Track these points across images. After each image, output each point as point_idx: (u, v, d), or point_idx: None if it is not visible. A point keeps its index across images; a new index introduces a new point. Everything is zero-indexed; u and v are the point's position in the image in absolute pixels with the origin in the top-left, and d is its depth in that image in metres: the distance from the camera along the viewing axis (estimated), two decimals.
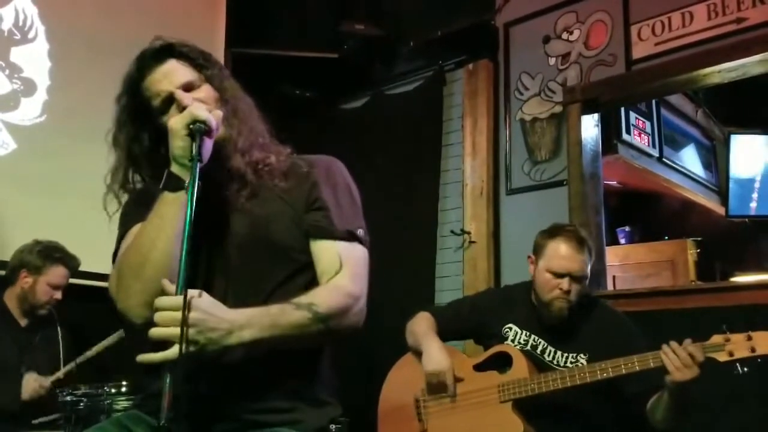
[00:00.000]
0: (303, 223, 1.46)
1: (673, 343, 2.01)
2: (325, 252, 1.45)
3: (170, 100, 1.42)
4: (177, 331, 1.18)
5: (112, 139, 1.50)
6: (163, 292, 1.24)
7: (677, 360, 1.97)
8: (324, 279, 1.42)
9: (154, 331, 1.20)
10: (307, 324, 1.32)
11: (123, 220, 1.52)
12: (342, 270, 1.41)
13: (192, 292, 1.21)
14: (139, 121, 1.47)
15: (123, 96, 1.48)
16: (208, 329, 1.21)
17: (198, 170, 1.29)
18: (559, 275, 2.29)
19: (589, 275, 2.35)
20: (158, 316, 1.20)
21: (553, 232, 2.38)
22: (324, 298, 1.36)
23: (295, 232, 1.46)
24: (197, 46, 1.50)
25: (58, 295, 2.93)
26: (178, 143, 1.32)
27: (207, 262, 1.42)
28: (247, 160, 1.46)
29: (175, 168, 1.34)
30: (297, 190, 1.49)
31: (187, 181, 1.30)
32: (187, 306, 1.18)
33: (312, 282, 1.44)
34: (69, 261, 2.95)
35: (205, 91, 1.45)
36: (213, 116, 1.35)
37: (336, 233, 1.45)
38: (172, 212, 1.32)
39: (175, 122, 1.32)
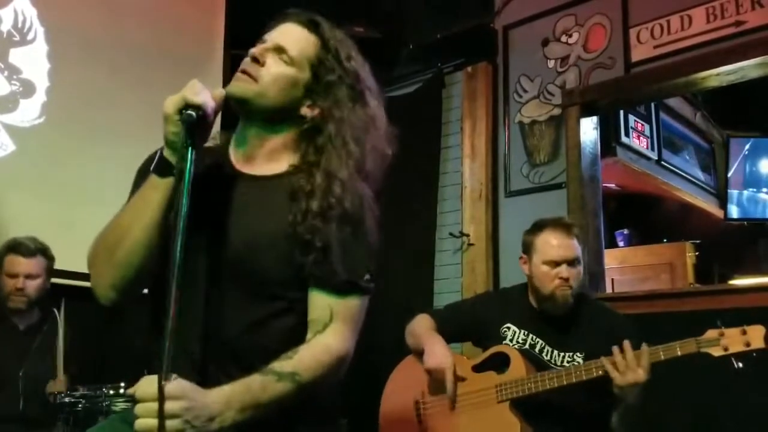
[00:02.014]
0: (300, 259, 1.31)
1: (626, 344, 2.07)
2: (318, 301, 1.33)
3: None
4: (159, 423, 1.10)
5: None
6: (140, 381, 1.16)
7: (622, 363, 2.04)
8: (312, 330, 1.32)
9: (141, 424, 1.12)
10: (292, 394, 1.24)
11: (134, 183, 1.43)
12: (332, 324, 1.31)
13: (169, 379, 1.12)
14: None
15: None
16: (193, 417, 1.13)
17: (192, 160, 1.20)
18: (556, 263, 2.33)
19: (582, 260, 2.40)
20: (139, 408, 1.12)
21: (539, 226, 2.44)
22: (308, 364, 1.26)
23: (290, 263, 1.31)
24: (350, 46, 1.46)
25: (19, 283, 2.82)
26: (171, 128, 1.24)
27: (186, 280, 1.24)
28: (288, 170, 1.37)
29: (166, 153, 1.27)
30: (302, 217, 1.32)
31: (178, 168, 1.22)
32: (163, 392, 1.10)
33: (300, 325, 1.33)
34: (16, 247, 2.86)
35: (279, 66, 1.37)
36: (213, 97, 1.27)
37: (332, 284, 1.32)
38: (155, 198, 1.26)
39: (167, 105, 1.24)
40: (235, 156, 1.43)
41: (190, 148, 1.21)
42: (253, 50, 1.37)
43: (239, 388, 1.21)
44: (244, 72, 1.35)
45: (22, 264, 2.86)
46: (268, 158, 1.41)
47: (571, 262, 2.34)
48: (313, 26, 1.41)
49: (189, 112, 1.22)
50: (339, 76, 1.41)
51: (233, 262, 1.33)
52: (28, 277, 2.86)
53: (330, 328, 1.32)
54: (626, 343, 2.06)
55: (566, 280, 2.31)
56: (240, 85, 1.35)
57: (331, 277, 1.32)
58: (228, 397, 1.19)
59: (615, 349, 2.06)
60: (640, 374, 2.01)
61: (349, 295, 1.35)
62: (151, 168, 1.29)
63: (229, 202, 1.36)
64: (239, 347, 1.31)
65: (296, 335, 1.32)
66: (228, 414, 1.18)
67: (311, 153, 1.38)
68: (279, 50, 1.37)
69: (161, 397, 1.09)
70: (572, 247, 2.36)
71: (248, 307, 1.33)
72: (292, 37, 1.40)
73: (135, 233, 1.27)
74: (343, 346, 1.33)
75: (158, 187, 1.27)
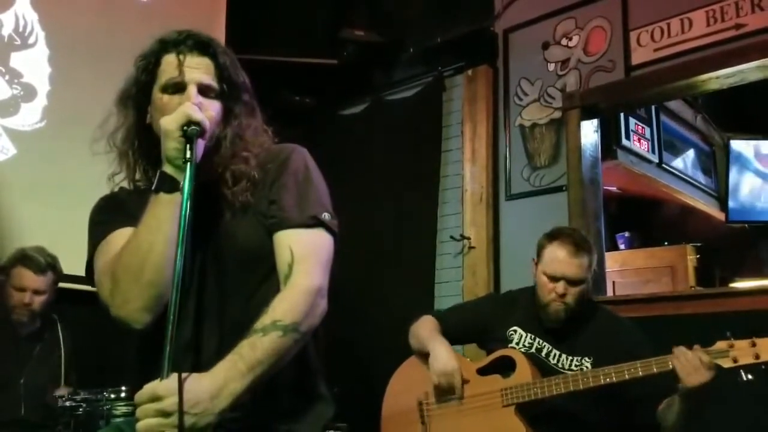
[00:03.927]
0: (266, 222, 1.44)
1: (682, 348, 2.01)
2: (278, 246, 1.41)
3: (182, 88, 1.39)
4: (161, 422, 1.16)
5: (122, 100, 1.47)
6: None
7: (688, 364, 1.97)
8: (281, 277, 1.39)
9: (141, 425, 1.18)
10: (282, 342, 1.29)
11: (96, 229, 1.48)
12: (294, 264, 1.37)
13: (153, 383, 1.19)
14: (149, 88, 1.44)
15: (148, 57, 1.44)
16: (190, 407, 1.18)
17: (193, 172, 1.27)
18: (555, 279, 2.31)
19: (588, 278, 2.35)
20: (139, 411, 1.18)
21: (553, 235, 2.40)
22: (284, 308, 1.32)
23: (262, 234, 1.43)
24: (234, 59, 1.48)
25: (26, 298, 2.82)
26: (172, 144, 1.30)
27: (191, 274, 1.39)
28: (231, 175, 1.43)
29: (168, 169, 1.33)
30: (258, 193, 1.46)
31: (182, 183, 1.28)
32: (182, 389, 1.16)
33: None
34: (27, 261, 2.84)
35: (215, 104, 1.42)
36: (206, 118, 1.34)
37: (285, 223, 1.41)
38: (168, 213, 1.31)
39: (169, 123, 1.30)
40: None
41: (191, 162, 1.27)
42: (196, 102, 1.37)
43: (230, 358, 1.25)
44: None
45: (31, 279, 2.84)
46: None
47: (571, 281, 2.30)
48: (205, 49, 1.43)
49: (193, 127, 1.29)
50: (236, 94, 1.46)
51: (221, 251, 1.42)
52: (36, 292, 2.85)
53: (294, 268, 1.37)
54: (696, 347, 2.00)
55: (562, 296, 2.29)
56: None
57: (284, 218, 1.42)
58: (223, 372, 1.23)
59: (676, 351, 2.00)
60: (707, 374, 1.95)
61: (308, 228, 1.42)
62: (154, 188, 1.33)
63: (207, 212, 1.42)
64: (246, 321, 1.34)
65: None
66: (232, 386, 1.22)
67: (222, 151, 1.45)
68: (206, 90, 1.41)
69: (180, 395, 1.15)
70: (575, 266, 2.30)
71: (244, 280, 1.41)
72: (202, 70, 1.41)
73: (159, 249, 1.31)
74: (310, 281, 1.37)
75: (169, 203, 1.31)
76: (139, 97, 1.45)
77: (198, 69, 1.40)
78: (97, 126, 1.49)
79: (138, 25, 3.77)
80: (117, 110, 1.48)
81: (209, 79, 1.41)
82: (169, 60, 1.41)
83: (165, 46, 1.43)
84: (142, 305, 1.32)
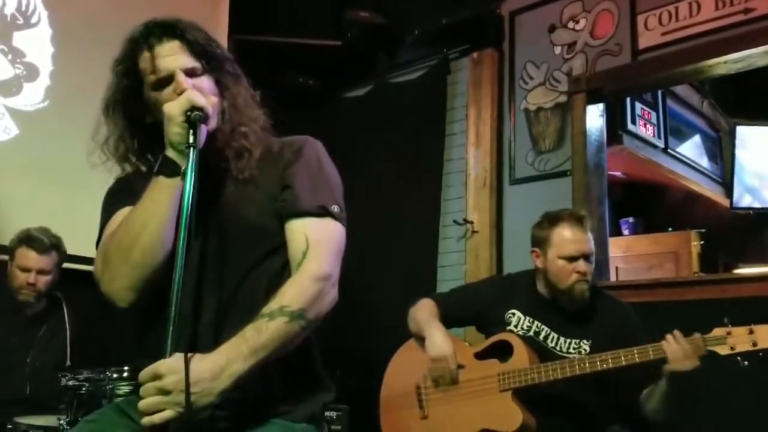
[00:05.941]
0: (275, 204, 1.44)
1: (677, 333, 2.03)
2: (293, 232, 1.42)
3: (168, 79, 1.40)
4: (162, 399, 1.18)
5: (108, 107, 1.48)
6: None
7: (679, 350, 2.00)
8: (294, 264, 1.39)
9: (143, 403, 1.19)
10: (288, 328, 1.30)
11: (106, 209, 1.51)
12: (309, 251, 1.38)
13: (156, 363, 1.20)
14: (133, 91, 1.45)
15: (124, 61, 1.45)
16: (190, 386, 1.18)
17: (196, 158, 1.29)
18: (574, 258, 2.31)
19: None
20: (142, 390, 1.20)
21: (553, 219, 2.40)
22: (292, 294, 1.33)
23: (268, 213, 1.44)
24: (206, 33, 1.48)
25: (31, 278, 2.82)
26: (175, 129, 1.32)
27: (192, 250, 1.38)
28: (234, 152, 1.45)
29: (171, 153, 1.35)
30: (269, 173, 1.47)
31: (183, 168, 1.30)
32: (188, 368, 1.18)
33: (287, 265, 1.42)
34: (31, 242, 2.84)
35: (206, 81, 1.43)
36: (209, 103, 1.36)
37: (301, 209, 1.42)
38: (166, 197, 1.33)
39: (172, 108, 1.32)
40: None
41: (195, 147, 1.29)
42: (189, 86, 1.38)
43: (234, 341, 1.27)
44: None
45: (35, 260, 2.85)
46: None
47: (588, 257, 2.32)
48: (173, 32, 1.42)
49: (196, 113, 1.31)
50: (219, 65, 1.47)
51: (222, 225, 1.42)
52: (41, 272, 2.86)
53: (307, 255, 1.38)
54: (696, 334, 2.03)
55: (584, 274, 2.31)
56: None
57: (298, 204, 1.43)
58: (226, 353, 1.25)
59: (669, 337, 2.03)
60: (695, 362, 1.99)
61: (320, 217, 1.43)
62: (155, 171, 1.35)
63: (211, 187, 1.42)
64: (239, 298, 1.37)
65: (286, 274, 1.41)
66: (233, 367, 1.23)
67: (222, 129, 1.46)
68: (192, 72, 1.42)
69: (187, 374, 1.16)
70: (588, 241, 2.34)
71: (242, 257, 1.41)
72: (177, 54, 1.41)
73: (150, 231, 1.33)
74: (321, 267, 1.38)
75: (168, 187, 1.33)
76: (125, 102, 1.46)
77: (173, 55, 1.41)
78: (90, 137, 1.50)
79: (141, 5, 3.74)
80: (104, 119, 1.49)
81: (188, 61, 1.42)
82: (146, 57, 1.41)
83: (136, 44, 1.43)
84: (128, 284, 1.35)
